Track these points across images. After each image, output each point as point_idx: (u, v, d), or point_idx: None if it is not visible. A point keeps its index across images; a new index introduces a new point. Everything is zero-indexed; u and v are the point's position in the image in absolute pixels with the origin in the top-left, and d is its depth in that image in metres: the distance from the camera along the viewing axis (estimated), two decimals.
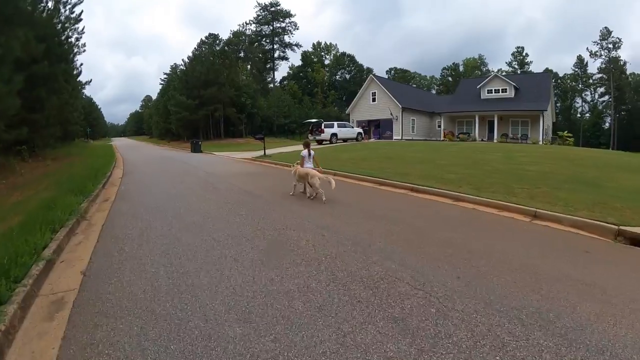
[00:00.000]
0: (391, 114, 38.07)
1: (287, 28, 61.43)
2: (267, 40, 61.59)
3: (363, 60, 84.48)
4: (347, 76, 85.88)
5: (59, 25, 20.40)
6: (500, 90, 34.49)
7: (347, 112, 43.69)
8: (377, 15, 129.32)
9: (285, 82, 73.71)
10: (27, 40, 13.16)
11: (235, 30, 63.56)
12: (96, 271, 4.07)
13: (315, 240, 4.85)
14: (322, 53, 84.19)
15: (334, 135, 28.18)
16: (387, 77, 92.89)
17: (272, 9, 60.04)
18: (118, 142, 62.16)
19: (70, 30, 20.72)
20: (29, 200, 9.09)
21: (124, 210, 7.52)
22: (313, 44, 75.99)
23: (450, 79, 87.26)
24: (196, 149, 27.88)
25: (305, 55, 76.82)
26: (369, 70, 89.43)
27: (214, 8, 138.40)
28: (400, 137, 37.03)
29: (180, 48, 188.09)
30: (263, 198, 8.20)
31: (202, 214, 6.70)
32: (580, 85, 67.22)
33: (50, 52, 19.40)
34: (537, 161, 12.21)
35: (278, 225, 5.74)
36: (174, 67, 71.53)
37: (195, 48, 47.23)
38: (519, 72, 69.32)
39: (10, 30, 12.47)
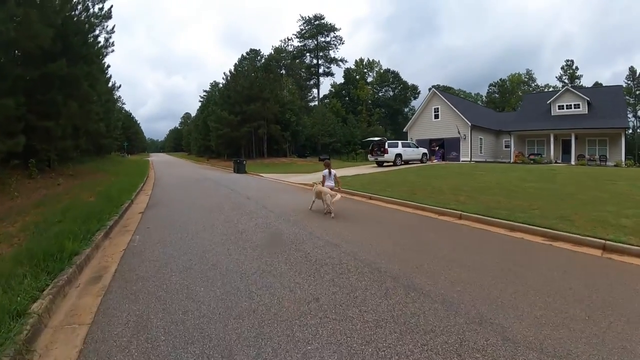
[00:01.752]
0: (459, 132, 33.08)
1: (332, 42, 58.07)
2: (312, 55, 58.22)
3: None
4: (391, 93, 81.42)
5: (86, 24, 16.95)
6: (573, 106, 30.80)
7: (404, 130, 38.80)
8: (412, 33, 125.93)
9: (326, 101, 69.87)
10: (28, 21, 9.18)
11: (277, 46, 60.99)
12: None
13: None
14: (365, 70, 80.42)
15: (399, 156, 23.71)
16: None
17: (316, 22, 56.93)
18: (155, 158, 60.14)
19: (98, 27, 17.19)
20: None
21: (120, 346, 2.69)
22: (355, 60, 72.28)
23: (496, 95, 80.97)
24: (240, 169, 23.61)
25: (347, 73, 73.16)
26: (414, 88, 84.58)
27: (252, 29, 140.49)
28: (469, 159, 32.16)
29: (219, 67, 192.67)
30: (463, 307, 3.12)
31: None
32: (632, 100, 58.26)
33: (71, 50, 15.93)
34: None
35: None
36: (214, 85, 69.99)
37: (236, 64, 44.38)
38: (569, 86, 62.60)
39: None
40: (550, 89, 70.76)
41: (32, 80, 12.29)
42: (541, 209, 7.77)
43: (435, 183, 13.21)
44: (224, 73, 43.11)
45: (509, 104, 73.31)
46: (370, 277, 3.94)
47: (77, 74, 16.01)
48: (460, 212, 8.16)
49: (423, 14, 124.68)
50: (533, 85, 77.62)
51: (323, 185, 8.50)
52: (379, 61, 79.82)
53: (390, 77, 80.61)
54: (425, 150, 27.23)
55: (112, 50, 17.82)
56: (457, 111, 33.81)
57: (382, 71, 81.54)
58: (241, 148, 41.03)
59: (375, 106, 76.16)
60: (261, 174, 21.52)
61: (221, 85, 42.84)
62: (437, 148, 34.18)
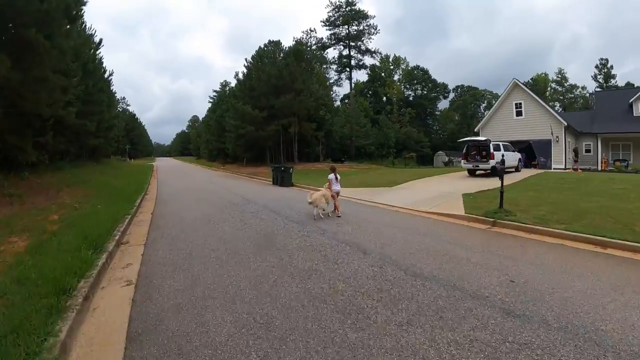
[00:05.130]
0: (552, 133, 25.94)
1: (364, 31, 50.24)
2: (344, 44, 50.36)
3: None
4: (419, 92, 73.86)
5: None
6: None
7: (476, 129, 31.26)
8: (421, 36, 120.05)
9: (346, 101, 61.71)
10: None
11: (298, 37, 53.18)
12: None
13: None
14: (392, 67, 72.77)
15: (502, 162, 16.08)
16: (453, 95, 79.47)
17: (348, 8, 49.23)
18: (161, 163, 52.66)
19: None
20: None
21: None
22: (381, 57, 64.29)
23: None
24: (285, 180, 15.83)
25: (372, 70, 65.35)
26: (444, 86, 76.73)
27: (260, 33, 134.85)
28: (563, 166, 25.53)
29: (226, 72, 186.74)
30: None
31: None
32: None
33: None
34: None
35: None
36: (224, 84, 62.24)
37: (253, 56, 36.29)
38: (605, 86, 57.34)
39: None
40: (579, 90, 65.22)
41: None
42: None
43: None
44: (245, 59, 35.26)
45: None
46: None
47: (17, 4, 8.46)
48: None
49: (431, 17, 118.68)
50: (566, 85, 70.85)
51: (330, 189, 8.57)
52: (405, 58, 71.93)
53: (419, 75, 72.96)
54: (520, 156, 20.60)
55: None
56: (547, 107, 27.41)
57: (409, 68, 73.86)
58: (266, 151, 33.35)
59: (402, 106, 68.43)
60: (321, 189, 13.70)
61: (242, 74, 35.11)
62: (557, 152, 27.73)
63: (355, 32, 50.26)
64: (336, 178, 8.89)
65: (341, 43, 50.83)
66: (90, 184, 13.72)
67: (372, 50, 52.21)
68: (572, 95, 68.67)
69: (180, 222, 7.31)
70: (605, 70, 61.49)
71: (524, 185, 12.71)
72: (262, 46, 36.40)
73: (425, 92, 73.94)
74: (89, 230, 5.55)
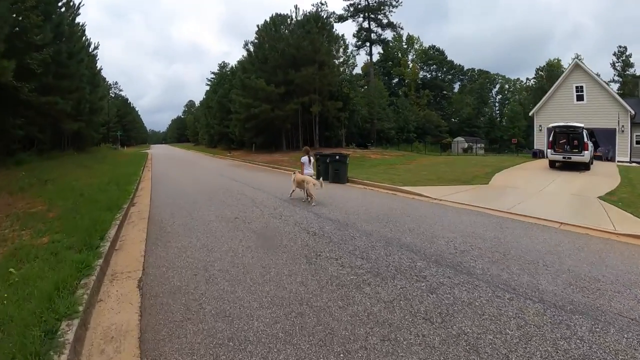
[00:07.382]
0: (618, 121, 23.72)
1: (386, 2, 44.24)
2: (363, 15, 44.42)
3: None
4: (434, 74, 68.72)
5: None
6: None
7: (530, 114, 27.18)
8: (421, 21, 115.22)
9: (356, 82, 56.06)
10: None
11: (308, 11, 47.08)
12: None
13: None
14: (405, 46, 67.13)
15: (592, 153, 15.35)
16: (464, 78, 74.17)
17: None
18: (157, 150, 47.37)
19: None
20: None
21: None
22: (393, 35, 58.22)
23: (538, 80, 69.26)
24: (339, 175, 10.96)
25: (385, 49, 59.62)
26: (460, 68, 71.42)
27: (256, 17, 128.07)
28: (628, 159, 23.15)
29: (222, 56, 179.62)
30: None
31: None
32: None
33: None
34: None
35: None
36: (223, 65, 56.23)
37: (265, 21, 30.62)
38: (624, 74, 55.45)
39: None
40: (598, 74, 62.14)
41: None
42: None
43: None
44: (257, 26, 29.73)
45: None
46: None
47: None
48: None
49: (431, 2, 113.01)
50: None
51: (303, 173, 8.28)
52: (418, 37, 66.10)
53: (436, 55, 67.49)
54: (593, 146, 18.48)
55: None
56: (613, 92, 24.51)
57: (424, 48, 68.28)
58: (281, 135, 28.26)
59: (419, 88, 63.37)
60: (405, 189, 8.84)
61: (251, 45, 29.39)
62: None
63: (375, 4, 44.46)
64: (309, 161, 8.75)
65: (360, 15, 45.05)
66: (51, 187, 8.74)
67: (395, 23, 46.45)
68: None
69: None
70: (624, 57, 58.33)
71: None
72: (268, 20, 30.53)
73: (440, 74, 68.79)
74: None
